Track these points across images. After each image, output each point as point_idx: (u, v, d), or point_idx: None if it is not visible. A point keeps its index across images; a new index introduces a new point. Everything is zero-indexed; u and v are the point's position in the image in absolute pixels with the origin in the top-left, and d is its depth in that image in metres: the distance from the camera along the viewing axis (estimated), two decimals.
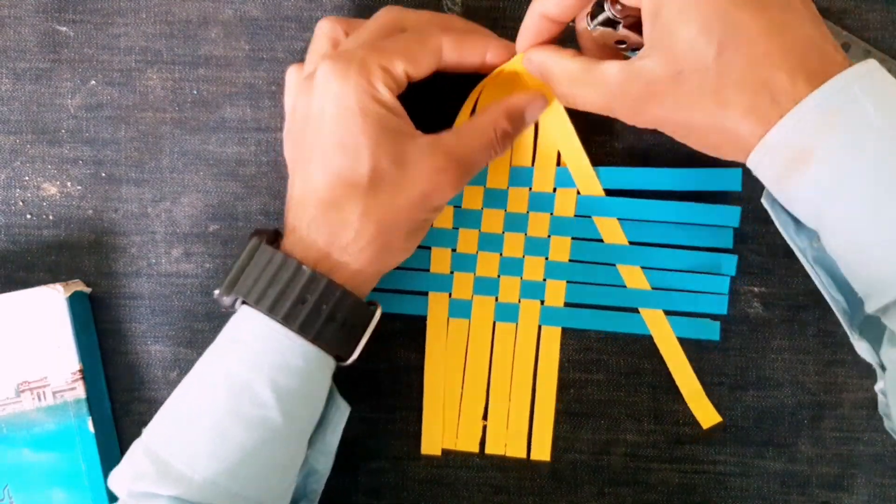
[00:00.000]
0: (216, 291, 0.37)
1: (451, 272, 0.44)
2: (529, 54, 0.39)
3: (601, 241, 0.43)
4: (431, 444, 0.44)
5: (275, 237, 0.39)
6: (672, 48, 0.32)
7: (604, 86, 0.35)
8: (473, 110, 0.42)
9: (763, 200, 0.35)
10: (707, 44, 0.31)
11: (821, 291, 0.36)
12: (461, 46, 0.39)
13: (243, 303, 0.37)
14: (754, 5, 0.31)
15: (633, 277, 0.43)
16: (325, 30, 0.40)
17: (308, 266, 0.36)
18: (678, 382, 0.44)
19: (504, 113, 0.40)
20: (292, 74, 0.40)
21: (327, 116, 0.36)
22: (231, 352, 0.37)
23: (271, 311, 0.36)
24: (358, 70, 0.36)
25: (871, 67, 0.31)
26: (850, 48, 0.42)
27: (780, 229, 0.35)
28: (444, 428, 0.44)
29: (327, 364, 0.38)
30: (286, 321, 0.36)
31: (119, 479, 0.36)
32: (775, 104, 0.31)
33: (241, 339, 0.37)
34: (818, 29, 0.32)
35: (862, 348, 0.36)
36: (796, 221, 0.35)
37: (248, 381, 0.36)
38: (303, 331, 0.36)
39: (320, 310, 0.36)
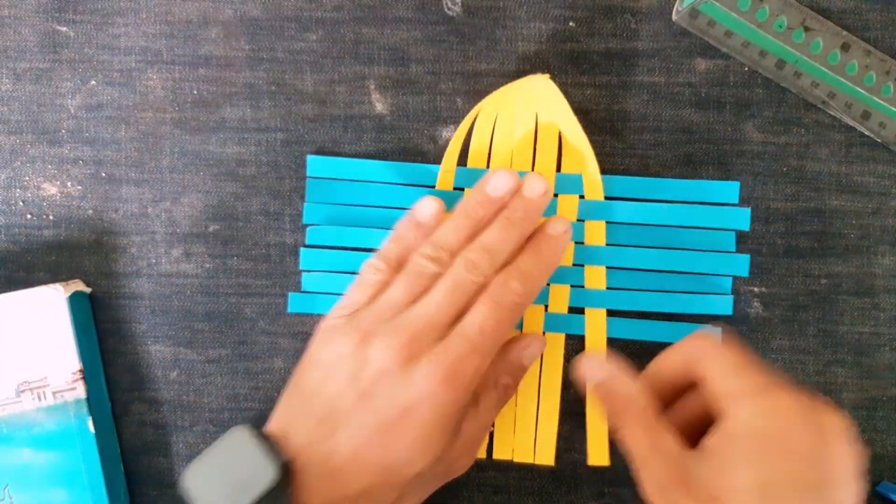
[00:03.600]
0: None
1: None
2: None
3: (604, 245, 0.43)
4: None
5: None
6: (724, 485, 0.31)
7: None
8: (470, 131, 0.42)
9: None
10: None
11: None
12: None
13: None
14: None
15: (636, 281, 0.43)
16: (403, 240, 0.40)
17: None
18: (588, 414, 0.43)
19: (503, 370, 0.41)
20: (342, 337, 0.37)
21: (418, 412, 0.35)
22: None
23: None
24: (467, 385, 0.36)
25: None
26: (851, 48, 0.42)
27: None
28: None
29: None
30: None
31: None
32: None
33: None
34: None
35: None
36: None
37: None
38: None
39: None
